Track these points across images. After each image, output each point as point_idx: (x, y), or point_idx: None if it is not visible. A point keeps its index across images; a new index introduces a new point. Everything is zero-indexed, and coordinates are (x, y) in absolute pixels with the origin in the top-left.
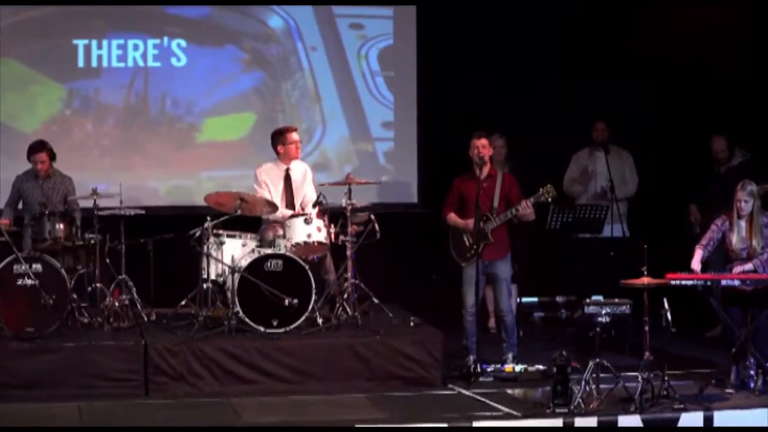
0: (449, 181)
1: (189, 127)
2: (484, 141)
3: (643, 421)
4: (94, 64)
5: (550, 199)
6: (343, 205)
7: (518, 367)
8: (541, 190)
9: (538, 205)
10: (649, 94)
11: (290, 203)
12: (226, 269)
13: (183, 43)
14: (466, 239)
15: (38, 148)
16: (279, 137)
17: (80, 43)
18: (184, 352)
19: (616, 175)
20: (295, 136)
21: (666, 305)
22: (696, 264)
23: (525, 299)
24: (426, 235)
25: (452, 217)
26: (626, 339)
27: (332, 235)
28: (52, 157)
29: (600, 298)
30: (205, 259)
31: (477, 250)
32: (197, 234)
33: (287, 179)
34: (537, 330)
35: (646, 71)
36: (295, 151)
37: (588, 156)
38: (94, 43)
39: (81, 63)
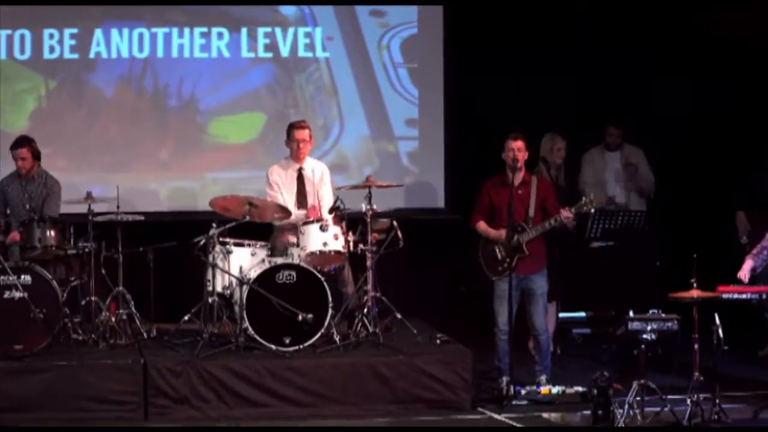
0: (479, 184)
1: (193, 124)
2: (520, 143)
3: None
4: (91, 55)
5: (592, 210)
6: (363, 210)
7: (555, 389)
8: (583, 199)
9: (578, 216)
10: (691, 94)
11: (303, 205)
12: (234, 281)
13: (187, 32)
14: (498, 251)
15: (19, 143)
16: (286, 133)
17: (73, 31)
18: (188, 373)
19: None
20: (300, 133)
21: (717, 321)
22: (744, 273)
23: (563, 314)
24: (454, 244)
25: (482, 226)
26: (674, 358)
27: (350, 244)
28: (36, 155)
29: (631, 313)
30: (210, 270)
31: (510, 263)
32: (202, 242)
33: (300, 180)
34: (576, 348)
35: (688, 70)
36: (296, 150)
37: (600, 155)
38: (88, 31)
39: (74, 54)
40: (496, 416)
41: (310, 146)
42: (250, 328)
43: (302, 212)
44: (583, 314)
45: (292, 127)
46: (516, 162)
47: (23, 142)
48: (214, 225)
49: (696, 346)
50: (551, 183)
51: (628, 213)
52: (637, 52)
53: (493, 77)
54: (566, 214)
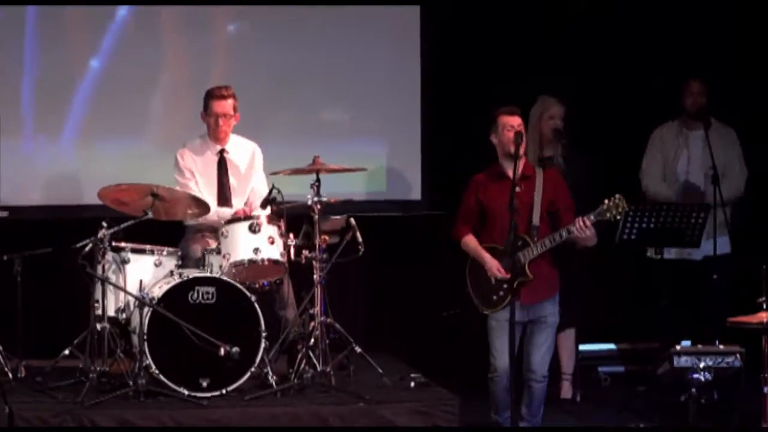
0: (466, 169)
1: (70, 68)
2: (518, 120)
3: None
4: None
5: (619, 216)
6: (309, 203)
7: None
8: (606, 203)
9: (602, 224)
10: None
11: (226, 201)
12: (132, 301)
13: None
14: (491, 276)
15: None
16: (204, 99)
17: None
18: (69, 425)
19: (718, 164)
20: (219, 105)
21: None
22: None
23: (585, 347)
24: (434, 251)
25: (471, 243)
26: (736, 405)
27: (291, 250)
28: None
29: (689, 343)
30: (99, 287)
31: (508, 291)
32: (88, 248)
33: (222, 166)
34: (602, 392)
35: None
36: (215, 128)
37: (676, 134)
38: None
39: None
40: None
41: (234, 122)
42: (153, 366)
43: (227, 211)
44: (611, 346)
45: (209, 97)
46: (520, 137)
47: None
48: (104, 224)
49: (765, 388)
50: (561, 175)
51: (683, 209)
52: None
53: (477, 38)
54: (582, 223)
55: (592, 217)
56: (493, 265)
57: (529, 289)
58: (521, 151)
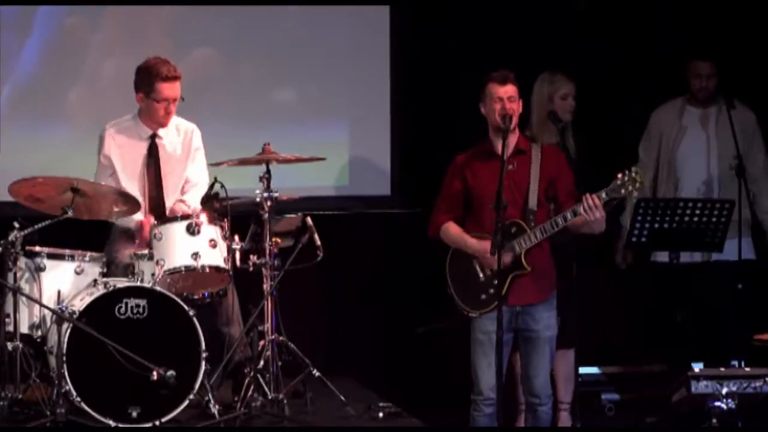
0: (444, 160)
1: None
2: (510, 88)
3: None
4: None
5: (635, 192)
6: (258, 200)
7: None
8: (620, 177)
9: (612, 205)
10: None
11: (157, 196)
12: (48, 316)
13: None
14: (480, 269)
15: None
16: (143, 79)
17: None
18: None
19: (729, 153)
20: (169, 88)
21: None
22: None
23: (585, 370)
24: (407, 255)
25: (452, 229)
26: None
27: (237, 255)
28: None
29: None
30: (10, 298)
31: (501, 288)
32: None
33: (153, 153)
34: (606, 422)
35: None
36: (163, 115)
37: (679, 114)
38: None
39: None
40: None
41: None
42: (74, 393)
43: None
44: (617, 370)
45: (155, 77)
46: (509, 120)
47: None
48: (16, 225)
49: None
50: (565, 153)
51: (702, 206)
52: None
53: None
54: (592, 201)
55: (603, 195)
56: (482, 248)
57: (524, 286)
58: (514, 124)
